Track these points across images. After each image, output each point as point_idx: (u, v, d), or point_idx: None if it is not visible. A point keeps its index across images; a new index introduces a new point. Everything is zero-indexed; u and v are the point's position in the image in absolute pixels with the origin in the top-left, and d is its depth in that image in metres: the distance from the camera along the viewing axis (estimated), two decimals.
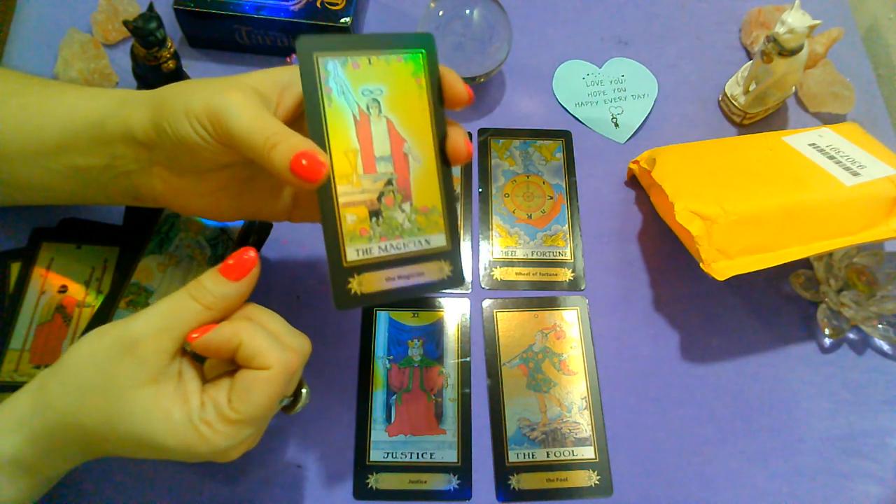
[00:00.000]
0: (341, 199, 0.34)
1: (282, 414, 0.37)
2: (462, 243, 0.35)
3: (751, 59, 0.61)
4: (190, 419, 0.31)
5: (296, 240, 0.51)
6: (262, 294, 0.49)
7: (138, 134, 0.35)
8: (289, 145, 0.31)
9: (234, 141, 0.32)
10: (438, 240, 0.35)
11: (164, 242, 0.47)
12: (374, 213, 0.34)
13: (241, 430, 0.32)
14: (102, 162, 0.37)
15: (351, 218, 0.34)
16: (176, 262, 0.46)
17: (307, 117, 0.33)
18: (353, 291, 0.34)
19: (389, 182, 0.34)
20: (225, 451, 0.32)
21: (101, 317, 0.44)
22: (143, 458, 0.33)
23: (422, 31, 0.54)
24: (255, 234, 0.48)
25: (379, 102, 0.35)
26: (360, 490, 0.44)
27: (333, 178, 0.33)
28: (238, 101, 0.32)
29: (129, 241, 0.47)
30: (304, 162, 0.31)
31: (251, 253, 0.33)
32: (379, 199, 0.34)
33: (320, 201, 0.33)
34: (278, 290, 0.49)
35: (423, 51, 0.35)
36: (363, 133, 0.34)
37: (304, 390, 0.36)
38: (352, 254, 0.34)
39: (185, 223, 0.48)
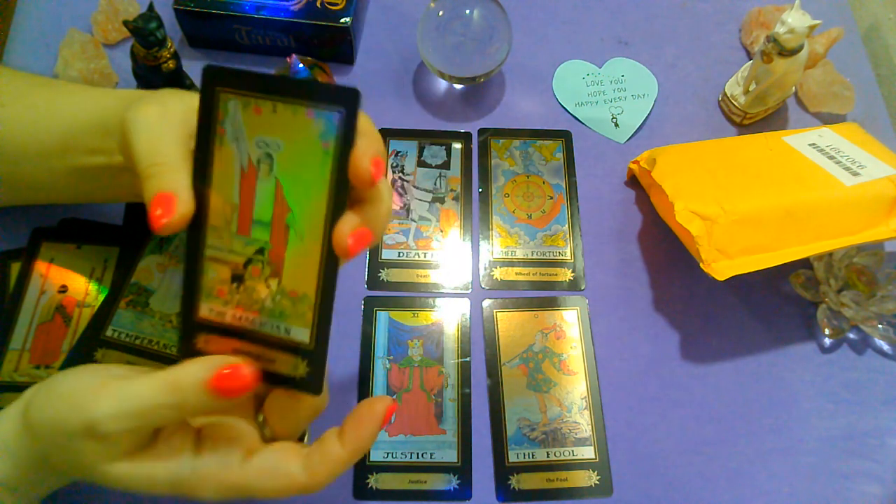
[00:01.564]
0: (207, 252, 0.30)
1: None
2: (327, 352, 0.30)
3: (751, 59, 0.61)
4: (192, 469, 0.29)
5: None
6: None
7: None
8: (157, 183, 0.28)
9: (128, 157, 0.31)
10: (300, 334, 0.30)
11: (164, 242, 0.47)
12: (237, 278, 0.30)
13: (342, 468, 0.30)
14: (105, 161, 0.37)
15: (212, 274, 0.30)
16: (176, 262, 0.46)
17: (194, 154, 0.29)
18: (197, 347, 0.31)
19: (261, 251, 0.30)
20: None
21: (101, 317, 0.44)
22: None
23: (422, 34, 0.54)
24: None
25: (272, 159, 0.29)
26: (360, 490, 0.44)
27: (205, 225, 0.30)
28: (147, 117, 0.30)
29: (129, 241, 0.47)
30: (158, 212, 0.28)
31: (245, 370, 0.28)
32: (245, 265, 0.30)
33: (187, 243, 0.30)
34: None
35: (343, 110, 0.28)
36: (246, 188, 0.29)
37: None
38: (204, 310, 0.30)
39: None
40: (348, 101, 0.28)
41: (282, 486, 0.30)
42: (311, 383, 0.30)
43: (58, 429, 0.28)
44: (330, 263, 0.29)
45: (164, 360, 0.43)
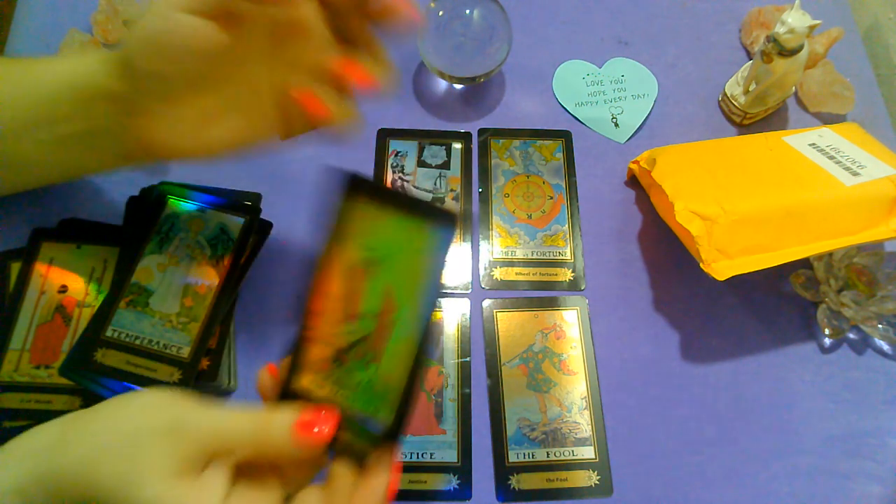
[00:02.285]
0: (314, 333, 0.33)
1: None
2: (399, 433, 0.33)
3: (751, 59, 0.61)
4: None
5: (296, 240, 0.51)
6: (262, 294, 0.49)
7: (112, 83, 0.35)
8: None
9: None
10: (380, 420, 0.32)
11: (164, 242, 0.47)
12: (338, 359, 0.33)
13: None
14: (86, 126, 0.37)
15: (317, 351, 0.33)
16: (176, 262, 0.46)
17: (323, 244, 0.33)
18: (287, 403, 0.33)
19: (364, 339, 0.33)
20: None
21: (101, 317, 0.44)
22: None
23: (422, 34, 0.54)
24: (256, 233, 0.48)
25: (386, 262, 0.33)
26: None
27: (315, 313, 0.33)
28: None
29: (129, 241, 0.47)
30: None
31: (326, 427, 0.30)
32: (349, 348, 0.33)
33: (299, 322, 0.33)
34: (278, 290, 0.49)
35: (452, 230, 0.33)
36: (357, 286, 0.33)
37: None
38: (304, 380, 0.33)
39: (185, 223, 0.48)
40: (454, 223, 0.33)
41: None
42: (368, 459, 0.32)
43: (131, 432, 0.29)
44: (419, 363, 0.32)
45: (164, 360, 0.43)
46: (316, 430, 0.30)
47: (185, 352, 0.44)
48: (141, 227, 0.47)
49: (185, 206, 0.48)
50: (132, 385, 0.43)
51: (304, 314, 0.33)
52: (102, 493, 0.29)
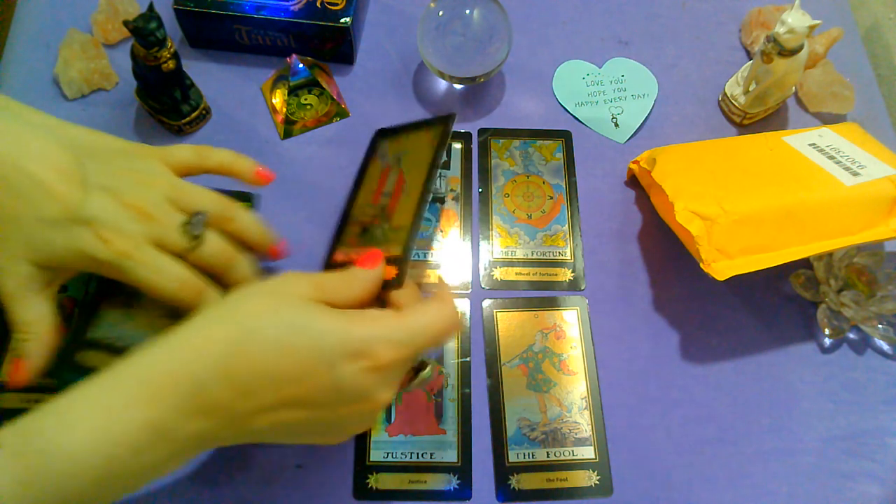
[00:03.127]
0: (352, 218, 0.47)
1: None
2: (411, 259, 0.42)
3: (751, 59, 0.61)
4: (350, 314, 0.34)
5: (295, 239, 0.51)
6: None
7: None
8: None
9: None
10: (396, 249, 0.41)
11: None
12: (364, 230, 0.45)
13: (402, 334, 0.34)
14: None
15: (350, 230, 0.46)
16: None
17: (359, 170, 0.51)
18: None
19: (382, 209, 0.45)
20: (376, 364, 0.34)
21: (85, 319, 0.42)
22: (282, 372, 0.33)
23: (422, 34, 0.55)
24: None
25: (400, 160, 0.48)
26: (360, 490, 0.44)
27: (355, 204, 0.47)
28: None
29: None
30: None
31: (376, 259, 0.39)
32: (371, 221, 0.45)
33: (342, 214, 0.48)
34: None
35: (447, 122, 0.47)
36: (382, 178, 0.48)
37: (429, 366, 0.40)
38: (339, 255, 0.44)
39: None
40: (451, 119, 0.48)
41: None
42: (399, 281, 0.39)
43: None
44: (422, 201, 0.42)
45: None
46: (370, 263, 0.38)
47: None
48: None
49: None
50: None
51: (347, 207, 0.47)
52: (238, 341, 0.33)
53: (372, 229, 0.44)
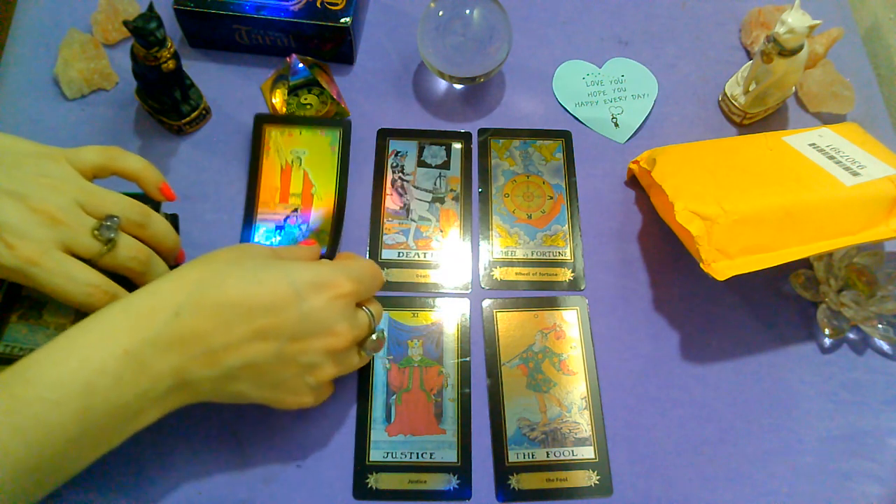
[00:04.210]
0: (259, 216, 0.51)
1: (292, 411, 0.39)
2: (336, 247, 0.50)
3: (751, 59, 0.61)
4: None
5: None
6: None
7: None
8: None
9: None
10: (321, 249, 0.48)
11: None
12: (279, 228, 0.51)
13: (354, 272, 0.40)
14: None
15: (263, 228, 0.51)
16: None
17: (250, 162, 0.53)
18: None
19: (295, 210, 0.51)
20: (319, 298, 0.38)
21: (10, 295, 0.42)
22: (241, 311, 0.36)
23: (422, 34, 0.55)
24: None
25: (301, 160, 0.53)
26: (360, 490, 0.44)
27: (258, 201, 0.52)
28: None
29: None
30: None
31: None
32: (285, 220, 0.51)
33: (245, 211, 0.52)
34: None
35: (341, 129, 0.54)
36: (285, 177, 0.52)
37: (377, 332, 0.43)
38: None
39: None
40: (345, 124, 0.54)
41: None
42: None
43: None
44: (338, 211, 0.50)
45: None
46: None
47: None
48: None
49: None
50: None
51: (248, 205, 0.51)
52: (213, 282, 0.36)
53: (287, 229, 0.50)
